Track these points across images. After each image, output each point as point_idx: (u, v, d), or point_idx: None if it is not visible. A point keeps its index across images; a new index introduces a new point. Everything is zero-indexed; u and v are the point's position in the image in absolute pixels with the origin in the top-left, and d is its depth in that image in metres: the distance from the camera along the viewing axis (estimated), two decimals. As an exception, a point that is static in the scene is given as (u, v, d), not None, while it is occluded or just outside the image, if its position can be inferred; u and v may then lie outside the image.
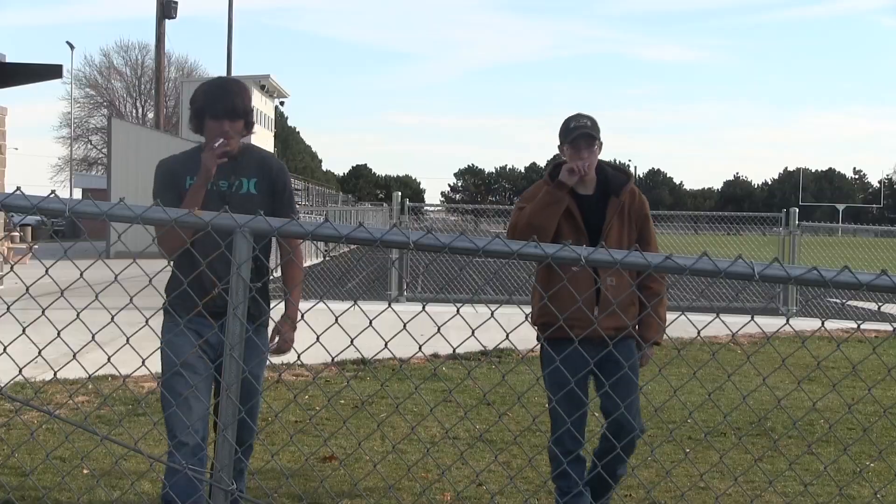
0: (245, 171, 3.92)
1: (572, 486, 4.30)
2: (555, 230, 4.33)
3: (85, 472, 5.49)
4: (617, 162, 5.32)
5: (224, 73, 38.66)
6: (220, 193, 3.84)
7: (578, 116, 4.43)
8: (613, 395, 4.08)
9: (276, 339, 3.90)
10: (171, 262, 3.80)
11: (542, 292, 4.33)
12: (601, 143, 4.46)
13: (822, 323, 2.67)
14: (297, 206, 4.22)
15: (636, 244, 4.25)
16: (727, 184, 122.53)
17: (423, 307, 2.32)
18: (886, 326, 12.74)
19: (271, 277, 3.96)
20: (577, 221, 4.38)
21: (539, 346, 4.34)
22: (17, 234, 27.96)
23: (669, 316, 4.34)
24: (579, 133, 4.36)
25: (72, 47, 60.17)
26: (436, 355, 9.45)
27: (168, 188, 3.86)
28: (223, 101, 3.86)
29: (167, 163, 3.99)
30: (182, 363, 3.63)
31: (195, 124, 3.96)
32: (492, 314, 2.37)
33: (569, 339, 3.98)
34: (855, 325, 11.56)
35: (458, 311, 2.25)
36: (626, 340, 4.30)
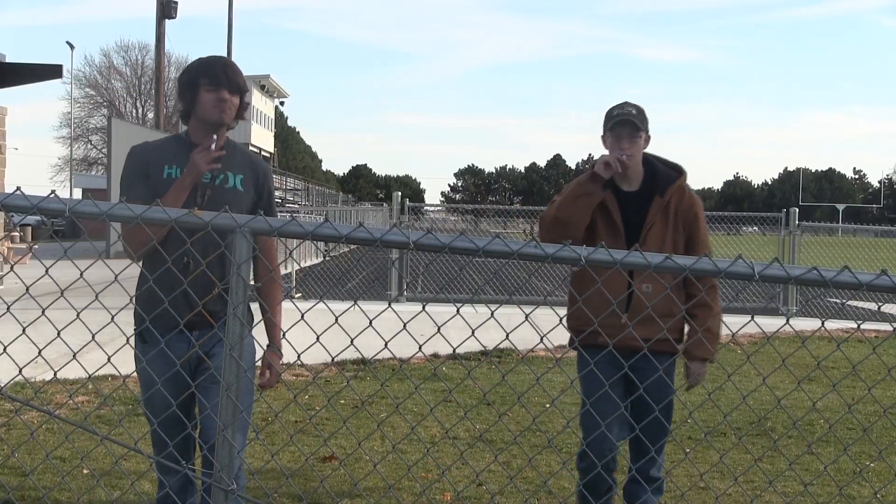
0: (230, 165, 3.54)
1: (598, 498, 4.03)
2: (589, 227, 4.04)
3: (85, 472, 5.49)
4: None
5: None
6: (201, 186, 3.46)
7: (624, 104, 4.07)
8: (638, 416, 3.91)
9: (267, 373, 3.55)
10: (141, 264, 3.44)
11: (576, 295, 4.03)
12: (648, 136, 4.09)
13: (822, 323, 2.67)
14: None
15: (683, 248, 4.04)
16: (727, 184, 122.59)
17: (423, 307, 2.32)
18: (886, 326, 12.73)
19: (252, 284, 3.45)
20: (614, 219, 4.06)
21: (572, 350, 4.12)
22: (17, 234, 27.95)
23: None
24: (621, 120, 4.01)
25: (72, 47, 60.20)
26: (436, 355, 9.45)
27: (140, 177, 3.46)
28: (223, 70, 3.51)
29: (141, 149, 3.56)
30: (160, 395, 3.33)
31: (186, 99, 3.53)
32: (492, 314, 2.37)
33: (598, 345, 3.89)
34: (855, 325, 11.55)
35: (458, 311, 2.25)
36: (661, 356, 3.88)
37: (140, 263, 3.42)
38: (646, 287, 3.97)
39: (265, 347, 3.56)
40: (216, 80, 3.48)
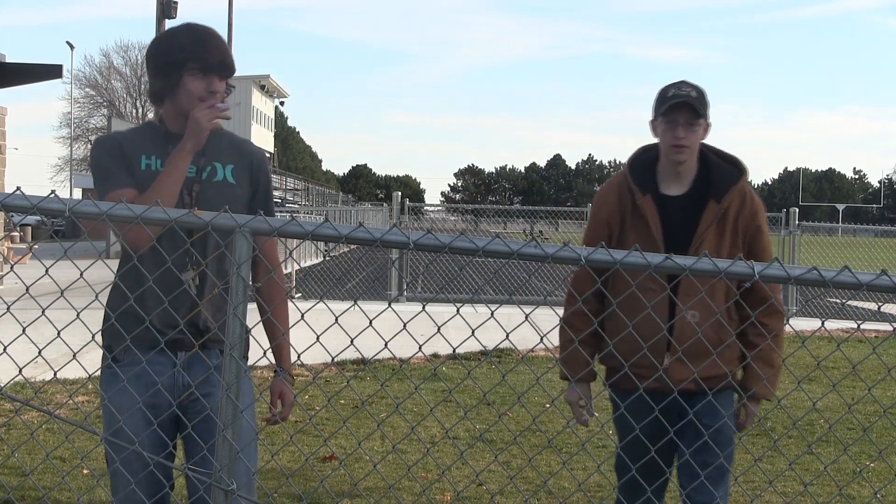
0: (218, 155, 2.95)
1: None
2: (619, 242, 3.35)
3: (85, 472, 5.49)
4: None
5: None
6: (187, 181, 2.86)
7: (681, 83, 3.34)
8: (692, 470, 3.24)
9: (279, 403, 3.03)
10: (118, 266, 2.89)
11: (623, 318, 3.15)
12: (708, 124, 3.34)
13: (822, 323, 2.67)
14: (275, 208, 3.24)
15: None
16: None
17: (423, 307, 2.32)
18: (886, 326, 12.73)
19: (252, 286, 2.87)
20: (651, 232, 3.30)
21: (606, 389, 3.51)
22: (17, 234, 27.95)
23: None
24: (679, 103, 3.25)
25: (72, 47, 60.14)
26: (436, 355, 9.45)
27: (119, 162, 2.86)
28: (214, 50, 2.86)
29: (110, 138, 2.96)
30: (130, 430, 2.74)
31: (161, 84, 2.90)
32: (492, 314, 2.37)
33: (636, 388, 3.11)
34: (855, 325, 11.56)
35: (458, 310, 2.25)
36: (718, 395, 3.27)
37: (118, 264, 2.90)
38: (692, 315, 3.24)
39: (274, 372, 3.05)
40: (208, 66, 2.85)
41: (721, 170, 3.34)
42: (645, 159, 3.43)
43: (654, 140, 3.41)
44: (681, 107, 3.25)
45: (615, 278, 3.25)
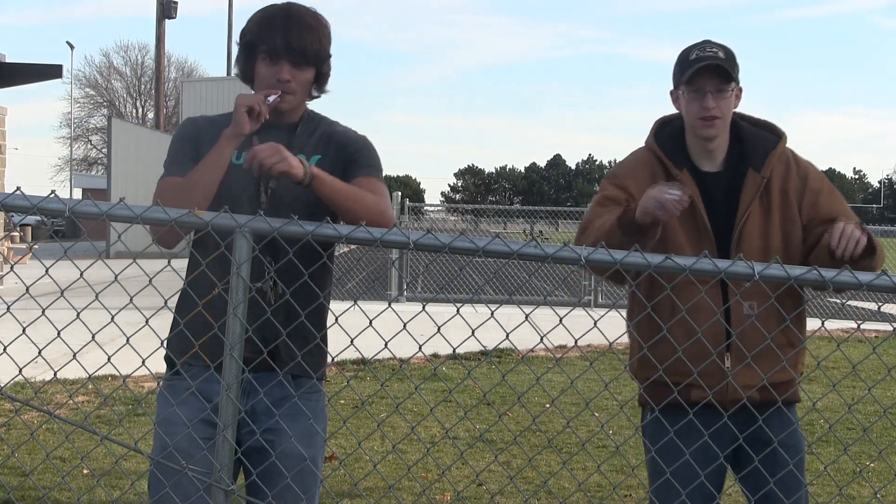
0: (307, 147, 2.66)
1: None
2: (662, 231, 2.70)
3: (85, 472, 5.49)
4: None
5: (224, 74, 38.55)
6: (265, 177, 2.57)
7: (705, 43, 2.80)
8: (756, 487, 2.78)
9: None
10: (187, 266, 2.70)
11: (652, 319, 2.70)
12: (739, 88, 2.83)
13: (822, 323, 2.67)
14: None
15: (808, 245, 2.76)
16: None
17: (423, 307, 2.32)
18: (886, 326, 12.73)
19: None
20: (695, 213, 2.77)
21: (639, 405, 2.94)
22: (17, 233, 27.97)
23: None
24: (705, 66, 2.72)
25: (72, 47, 60.07)
26: (436, 355, 9.45)
27: (187, 150, 2.65)
28: (287, 32, 2.58)
29: (193, 122, 2.76)
30: (180, 454, 2.51)
31: (242, 67, 2.70)
32: (492, 314, 2.37)
33: (685, 403, 2.66)
34: (855, 325, 11.54)
35: (458, 311, 2.25)
36: (784, 408, 2.75)
37: (185, 269, 2.68)
38: (748, 308, 2.73)
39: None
40: (274, 51, 2.59)
41: (756, 137, 2.87)
42: (672, 130, 2.90)
43: (675, 112, 2.92)
44: (707, 71, 2.73)
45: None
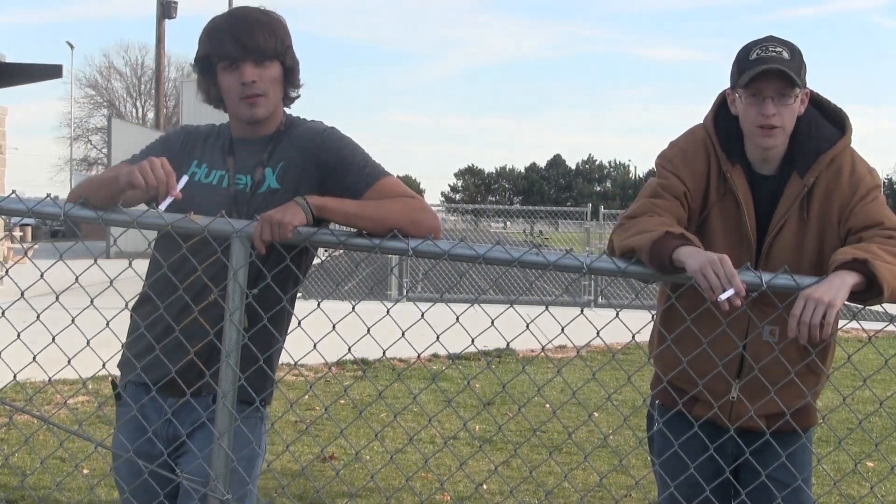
0: (271, 157, 2.52)
1: None
2: (701, 228, 2.57)
3: (85, 472, 5.48)
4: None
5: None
6: (240, 195, 2.49)
7: (768, 40, 2.49)
8: None
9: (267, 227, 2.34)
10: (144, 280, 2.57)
11: (664, 334, 2.59)
12: (806, 92, 2.53)
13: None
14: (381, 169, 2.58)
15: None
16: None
17: (422, 315, 2.31)
18: (887, 326, 12.72)
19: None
20: (741, 215, 2.54)
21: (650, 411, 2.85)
22: (17, 234, 27.97)
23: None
24: (767, 70, 2.43)
25: (72, 47, 60.23)
26: (436, 355, 9.44)
27: (153, 152, 2.54)
28: (237, 33, 2.43)
29: (185, 131, 2.64)
30: (128, 472, 2.60)
31: (205, 88, 2.54)
32: (492, 322, 2.36)
33: (692, 416, 2.59)
34: (855, 325, 11.51)
35: (457, 318, 2.24)
36: (790, 436, 2.60)
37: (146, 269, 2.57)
38: (769, 333, 2.51)
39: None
40: (231, 56, 2.43)
41: (811, 135, 2.54)
42: (731, 121, 2.59)
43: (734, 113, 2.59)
44: (770, 75, 2.43)
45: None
